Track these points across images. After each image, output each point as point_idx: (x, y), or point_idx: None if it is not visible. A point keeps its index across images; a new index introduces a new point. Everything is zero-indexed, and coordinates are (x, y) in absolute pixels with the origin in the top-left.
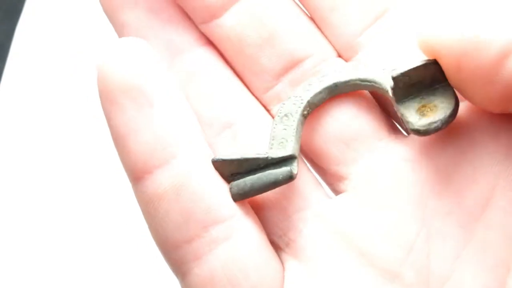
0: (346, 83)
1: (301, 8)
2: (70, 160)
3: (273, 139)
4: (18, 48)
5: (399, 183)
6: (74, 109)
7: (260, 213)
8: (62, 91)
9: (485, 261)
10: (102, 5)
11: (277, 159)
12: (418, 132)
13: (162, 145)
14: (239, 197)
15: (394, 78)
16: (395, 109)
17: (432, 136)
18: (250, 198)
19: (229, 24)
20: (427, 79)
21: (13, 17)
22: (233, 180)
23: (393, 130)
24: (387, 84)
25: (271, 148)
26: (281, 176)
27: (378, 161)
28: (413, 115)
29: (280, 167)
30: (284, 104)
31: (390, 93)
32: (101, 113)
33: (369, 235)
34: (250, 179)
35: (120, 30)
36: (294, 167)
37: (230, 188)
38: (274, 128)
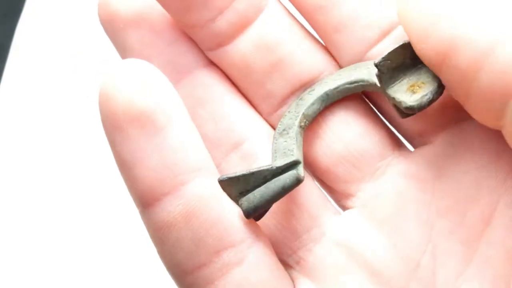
0: (336, 89)
1: (307, 30)
2: (70, 159)
3: (275, 152)
4: (18, 48)
5: (406, 200)
6: (74, 109)
7: (270, 234)
8: (62, 91)
9: (487, 278)
10: (103, 25)
11: (282, 167)
12: (412, 108)
13: (171, 172)
14: (251, 211)
15: (376, 65)
16: (386, 97)
17: (436, 154)
18: (260, 220)
19: (236, 52)
20: (408, 60)
21: (13, 17)
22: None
23: (397, 145)
24: (373, 78)
25: (275, 160)
26: (288, 180)
27: (384, 179)
28: (404, 95)
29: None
30: (281, 121)
31: (377, 82)
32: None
33: (378, 252)
34: (258, 190)
35: (122, 51)
36: (300, 170)
37: (241, 204)
38: (275, 143)
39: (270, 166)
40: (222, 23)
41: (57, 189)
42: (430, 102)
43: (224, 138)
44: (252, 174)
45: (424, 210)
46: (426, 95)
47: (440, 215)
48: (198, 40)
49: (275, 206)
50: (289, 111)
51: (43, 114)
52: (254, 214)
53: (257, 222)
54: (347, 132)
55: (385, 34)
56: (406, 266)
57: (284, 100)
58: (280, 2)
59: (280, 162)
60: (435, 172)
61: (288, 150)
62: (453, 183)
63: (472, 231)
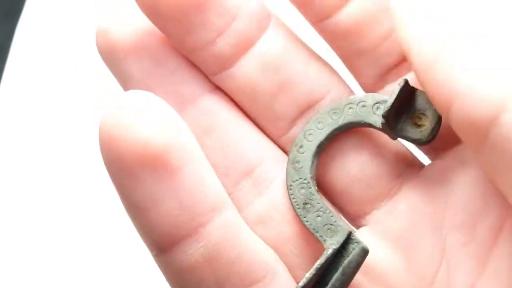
0: (327, 139)
1: (312, 50)
2: (70, 160)
3: (317, 232)
4: (18, 48)
5: (419, 215)
6: (74, 109)
7: (287, 260)
8: (62, 91)
9: None
10: (102, 56)
11: (341, 245)
12: (429, 140)
13: (188, 215)
14: None
15: (384, 116)
16: (394, 138)
17: (446, 169)
18: (276, 247)
19: (241, 74)
20: (404, 98)
21: (13, 17)
22: None
23: (410, 163)
24: (377, 122)
25: (322, 238)
26: (360, 258)
27: (398, 196)
28: (414, 132)
29: (347, 249)
30: (293, 193)
31: (382, 128)
32: (99, 115)
33: (394, 268)
34: (336, 279)
35: (123, 81)
36: (360, 242)
37: None
38: (306, 221)
39: (330, 251)
40: (223, 44)
41: (57, 189)
42: (440, 125)
43: (233, 167)
44: (320, 268)
45: (437, 224)
46: (431, 123)
47: (453, 228)
48: (201, 65)
49: (290, 232)
50: (293, 181)
51: (43, 114)
52: None
53: (273, 250)
54: (361, 154)
55: (402, 60)
56: (422, 281)
57: (294, 121)
58: (283, 22)
59: (335, 241)
60: (446, 187)
61: (330, 224)
62: (463, 197)
63: (482, 244)
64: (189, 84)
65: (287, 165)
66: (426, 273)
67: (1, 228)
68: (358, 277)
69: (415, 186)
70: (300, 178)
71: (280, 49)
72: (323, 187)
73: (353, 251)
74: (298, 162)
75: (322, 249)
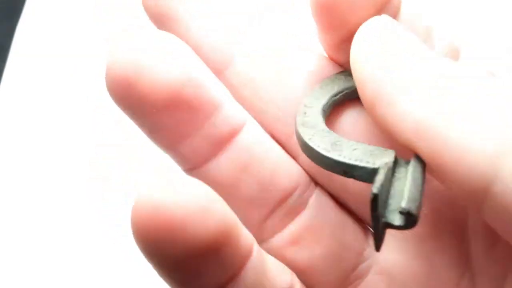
0: (327, 104)
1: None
2: (70, 159)
3: (361, 162)
4: (18, 48)
5: (442, 220)
6: (74, 109)
7: (321, 278)
8: (62, 91)
9: None
10: (124, 107)
11: (393, 160)
12: None
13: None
14: (419, 210)
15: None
16: None
17: None
18: (308, 266)
19: (241, 68)
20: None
21: (13, 17)
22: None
23: None
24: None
25: (368, 162)
26: (422, 164)
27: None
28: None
29: (398, 171)
30: (313, 143)
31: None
32: (99, 115)
33: (416, 274)
34: (411, 186)
35: (154, 131)
36: (415, 159)
37: (407, 207)
38: (344, 156)
39: (388, 163)
40: (218, 36)
41: (57, 188)
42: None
43: (269, 197)
44: (387, 171)
45: (461, 229)
46: None
47: (476, 234)
48: (208, 62)
49: (320, 252)
50: (311, 135)
51: (43, 114)
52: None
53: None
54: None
55: None
56: None
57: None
58: (280, 12)
59: (387, 158)
60: None
61: (371, 150)
62: None
63: (505, 248)
64: (222, 126)
65: (297, 129)
66: (449, 280)
67: (0, 228)
68: (377, 281)
69: (437, 189)
70: (317, 131)
71: (273, 40)
72: (333, 192)
73: (410, 163)
74: (307, 122)
75: (353, 265)
